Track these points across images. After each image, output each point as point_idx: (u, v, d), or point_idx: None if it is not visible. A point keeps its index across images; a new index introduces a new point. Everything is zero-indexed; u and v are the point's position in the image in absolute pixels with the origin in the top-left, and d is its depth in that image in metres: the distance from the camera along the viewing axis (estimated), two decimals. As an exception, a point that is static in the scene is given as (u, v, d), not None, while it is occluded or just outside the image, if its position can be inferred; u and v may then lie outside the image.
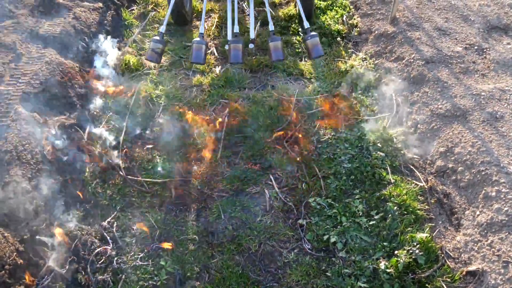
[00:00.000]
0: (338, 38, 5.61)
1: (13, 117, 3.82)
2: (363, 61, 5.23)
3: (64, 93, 4.36)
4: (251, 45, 4.80)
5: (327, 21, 5.86)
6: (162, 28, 4.60)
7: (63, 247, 3.29)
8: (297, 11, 5.79)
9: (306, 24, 4.60)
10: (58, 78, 4.37)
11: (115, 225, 3.65)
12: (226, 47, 4.59)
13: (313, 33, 4.59)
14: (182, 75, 5.18)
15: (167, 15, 4.73)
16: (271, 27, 4.63)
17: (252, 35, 4.77)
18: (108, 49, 5.06)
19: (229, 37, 4.70)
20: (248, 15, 6.19)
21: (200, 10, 5.97)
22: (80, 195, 3.76)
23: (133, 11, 6.22)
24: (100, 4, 5.71)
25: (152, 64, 5.23)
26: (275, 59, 4.55)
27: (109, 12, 5.81)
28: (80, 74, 4.70)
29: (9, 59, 4.42)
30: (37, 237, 3.24)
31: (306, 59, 5.34)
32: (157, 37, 4.55)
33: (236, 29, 4.57)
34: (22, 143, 3.67)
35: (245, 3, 6.38)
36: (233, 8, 4.90)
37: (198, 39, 4.51)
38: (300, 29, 5.82)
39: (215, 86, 4.97)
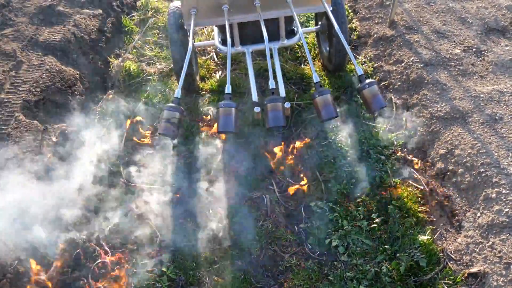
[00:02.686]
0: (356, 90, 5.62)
1: (14, 125, 3.84)
2: (362, 64, 5.24)
3: (65, 101, 4.38)
4: (257, 109, 3.50)
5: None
6: (177, 93, 3.50)
7: (65, 255, 3.30)
8: (330, 61, 4.96)
9: (316, 78, 3.51)
10: (58, 85, 4.39)
11: (116, 231, 3.65)
12: (257, 109, 3.48)
13: (323, 89, 3.46)
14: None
15: (180, 80, 3.59)
16: (315, 78, 3.52)
17: (255, 97, 4.03)
18: None
19: (254, 98, 3.98)
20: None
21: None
22: (82, 202, 3.77)
23: (133, 18, 6.25)
24: (100, 11, 5.74)
25: (152, 70, 5.25)
26: (326, 118, 3.46)
27: (109, 19, 5.83)
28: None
29: (10, 67, 4.45)
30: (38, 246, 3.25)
31: (305, 63, 5.35)
32: (172, 104, 3.45)
33: (272, 84, 3.52)
34: (23, 151, 3.69)
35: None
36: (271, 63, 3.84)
37: (270, 97, 3.44)
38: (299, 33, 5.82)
39: (215, 91, 4.98)
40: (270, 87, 3.50)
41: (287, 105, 3.43)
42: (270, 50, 4.03)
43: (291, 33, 4.55)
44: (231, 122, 3.41)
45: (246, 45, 4.38)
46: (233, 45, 4.32)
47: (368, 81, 3.51)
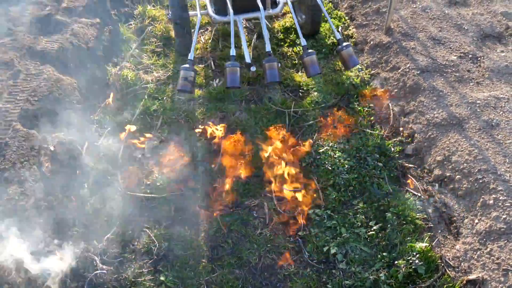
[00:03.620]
0: (335, 51, 5.64)
1: (12, 134, 3.84)
2: (359, 71, 5.26)
3: (62, 109, 4.38)
4: (253, 69, 4.52)
5: (324, 33, 5.91)
6: (191, 56, 4.24)
7: (63, 265, 3.29)
8: (306, 25, 5.72)
9: (303, 42, 4.41)
10: (56, 94, 4.40)
11: (115, 241, 3.65)
12: (252, 68, 4.45)
13: (310, 50, 4.37)
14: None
15: (193, 41, 4.34)
16: (267, 47, 4.36)
17: (248, 59, 4.60)
18: None
19: (247, 59, 4.57)
20: (245, 27, 6.24)
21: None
22: (80, 211, 3.77)
23: (131, 26, 6.26)
24: (98, 20, 5.76)
25: (149, 78, 5.26)
26: (271, 81, 4.27)
27: (106, 28, 5.85)
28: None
29: (7, 76, 4.45)
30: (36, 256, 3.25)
31: (302, 71, 5.37)
32: (187, 65, 4.20)
33: (233, 52, 4.25)
34: (20, 161, 3.69)
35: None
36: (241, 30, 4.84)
37: (231, 62, 4.17)
38: (297, 40, 5.86)
39: (212, 99, 4.99)
40: (267, 50, 4.32)
41: (253, 69, 4.52)
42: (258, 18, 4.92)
43: (274, 4, 5.27)
44: (237, 79, 4.14)
45: (237, 14, 4.92)
46: (226, 14, 5.03)
47: (345, 43, 4.45)
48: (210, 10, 5.13)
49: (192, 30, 5.18)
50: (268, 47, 4.36)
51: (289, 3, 4.79)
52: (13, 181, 3.54)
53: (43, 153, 3.87)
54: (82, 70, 5.03)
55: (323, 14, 5.54)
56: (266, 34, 4.60)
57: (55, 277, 3.19)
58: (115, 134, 4.48)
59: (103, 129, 4.55)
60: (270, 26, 6.10)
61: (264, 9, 4.88)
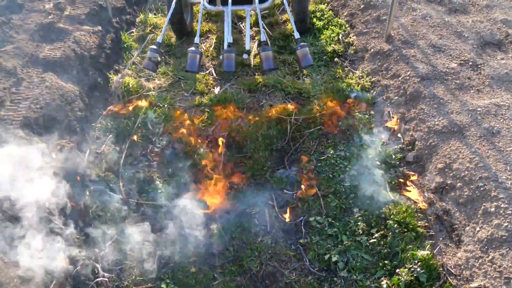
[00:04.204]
0: (336, 59, 5.66)
1: (14, 142, 3.85)
2: (359, 79, 5.28)
3: (64, 117, 4.39)
4: (245, 56, 5.06)
5: (324, 40, 5.94)
6: (159, 38, 4.83)
7: (65, 272, 3.29)
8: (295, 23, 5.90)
9: (297, 35, 4.75)
10: (58, 102, 4.42)
11: (116, 248, 3.65)
12: (221, 57, 4.84)
13: (303, 43, 4.70)
14: (180, 96, 5.23)
15: (164, 26, 5.02)
16: (262, 37, 4.79)
17: (248, 46, 5.04)
18: None
19: (225, 47, 4.95)
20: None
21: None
22: (81, 218, 3.77)
23: (132, 34, 6.30)
24: (100, 28, 5.79)
25: (151, 86, 5.28)
26: (266, 68, 4.67)
27: (108, 35, 5.88)
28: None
29: (10, 84, 4.47)
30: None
31: (304, 78, 5.39)
32: (154, 47, 4.72)
33: (230, 39, 4.79)
34: (22, 168, 3.69)
35: (242, 24, 6.47)
36: (229, 20, 5.15)
37: (193, 48, 4.62)
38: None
39: (213, 106, 5.01)
40: (262, 40, 4.79)
41: (246, 56, 5.16)
42: (253, 11, 5.37)
43: None
44: (232, 65, 4.58)
45: (225, 5, 5.31)
46: (216, 4, 5.45)
47: (301, 43, 4.69)
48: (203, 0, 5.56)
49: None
50: (262, 37, 4.77)
51: (285, 3, 5.06)
52: (17, 188, 3.55)
53: (45, 161, 3.88)
54: (84, 77, 5.05)
55: (309, 14, 6.08)
56: (260, 24, 4.91)
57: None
58: (117, 142, 4.50)
59: (105, 136, 4.56)
60: (271, 33, 6.14)
61: (253, 3, 5.35)
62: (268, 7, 5.70)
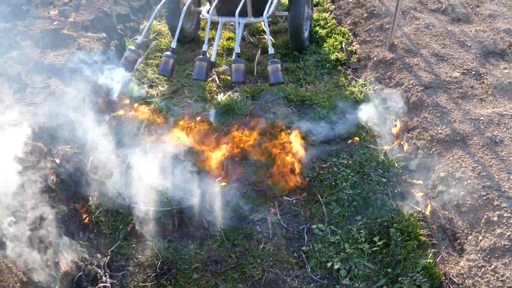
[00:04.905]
0: (339, 67, 5.69)
1: (18, 147, 3.86)
2: (362, 87, 5.30)
3: (68, 123, 4.41)
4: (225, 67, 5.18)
5: (327, 49, 5.97)
6: (139, 39, 5.00)
7: (67, 278, 3.29)
8: (291, 42, 6.02)
9: (271, 50, 4.76)
10: (62, 108, 4.44)
11: (118, 254, 3.66)
12: (225, 67, 5.03)
13: (275, 59, 4.69)
14: (184, 103, 5.25)
15: (146, 26, 5.15)
16: (270, 50, 4.75)
17: (213, 57, 4.98)
18: None
19: (213, 58, 4.98)
20: (249, 42, 6.31)
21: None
22: (84, 224, 3.78)
23: (136, 41, 6.33)
24: (104, 34, 5.83)
25: (154, 92, 5.31)
26: (274, 82, 4.66)
27: (112, 42, 5.92)
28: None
29: (15, 89, 4.50)
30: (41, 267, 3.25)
31: (307, 86, 5.41)
32: (132, 47, 4.88)
33: (205, 48, 4.75)
34: (26, 173, 3.71)
35: (245, 31, 6.50)
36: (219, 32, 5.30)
37: (200, 56, 4.63)
38: (300, 56, 5.92)
39: (217, 113, 5.02)
40: (236, 51, 4.67)
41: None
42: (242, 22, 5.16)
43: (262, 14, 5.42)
44: (241, 75, 4.57)
45: (221, 16, 5.46)
46: (212, 14, 5.39)
47: (273, 59, 4.66)
48: (205, 8, 5.82)
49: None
50: (237, 49, 4.71)
51: (265, 17, 5.05)
52: (18, 193, 3.56)
53: (49, 166, 3.89)
54: (88, 84, 5.08)
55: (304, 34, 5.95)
56: (238, 38, 4.95)
57: None
58: (121, 147, 4.51)
59: (109, 142, 4.57)
60: (274, 41, 6.17)
61: (247, 16, 5.44)
62: (260, 21, 5.78)
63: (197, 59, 4.63)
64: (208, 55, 4.76)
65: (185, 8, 5.16)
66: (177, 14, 5.51)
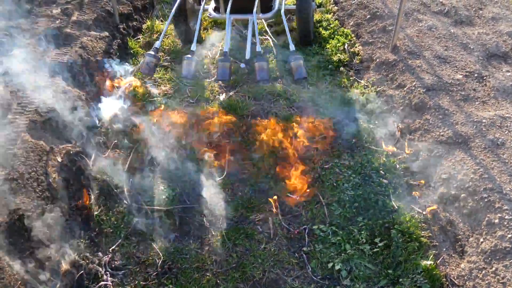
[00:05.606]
0: (341, 68, 5.69)
1: (20, 145, 3.87)
2: (365, 88, 5.30)
3: (71, 121, 4.42)
4: (242, 65, 5.11)
5: (330, 50, 5.97)
6: (157, 44, 4.88)
7: (68, 276, 3.29)
8: (298, 35, 6.06)
9: (292, 47, 4.77)
10: (64, 106, 4.44)
11: (119, 252, 3.66)
12: (242, 65, 5.04)
13: (297, 55, 4.72)
14: (186, 102, 5.25)
15: (163, 30, 5.10)
16: (291, 47, 4.78)
17: (248, 55, 5.00)
18: None
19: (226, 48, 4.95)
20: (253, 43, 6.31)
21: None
22: (86, 222, 3.78)
23: (139, 40, 6.34)
24: (107, 33, 5.83)
25: (157, 92, 5.31)
26: (260, 79, 4.69)
27: (115, 41, 5.92)
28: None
29: (17, 87, 4.50)
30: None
31: (309, 87, 5.42)
32: (152, 52, 4.78)
33: (226, 48, 4.76)
34: (28, 171, 3.71)
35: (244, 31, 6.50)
36: (228, 30, 5.17)
37: (222, 57, 4.66)
38: (302, 57, 5.92)
39: (218, 113, 5.03)
40: (258, 50, 4.70)
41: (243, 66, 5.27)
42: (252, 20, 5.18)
43: (270, 9, 5.65)
44: (227, 73, 4.59)
45: (230, 14, 5.29)
46: (220, 12, 5.63)
47: (296, 55, 4.69)
48: (211, 6, 5.79)
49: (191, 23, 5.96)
50: (258, 48, 4.72)
51: (282, 12, 5.16)
52: (21, 191, 3.57)
53: (51, 164, 3.90)
54: (91, 82, 5.09)
55: (313, 28, 6.16)
56: (256, 35, 4.98)
57: None
58: (122, 147, 4.52)
59: (110, 141, 4.58)
60: (276, 42, 6.19)
61: (256, 12, 5.32)
62: (271, 17, 5.81)
63: (219, 60, 4.66)
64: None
65: (201, 9, 5.25)
66: (184, 15, 5.68)
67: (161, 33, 6.30)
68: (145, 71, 4.79)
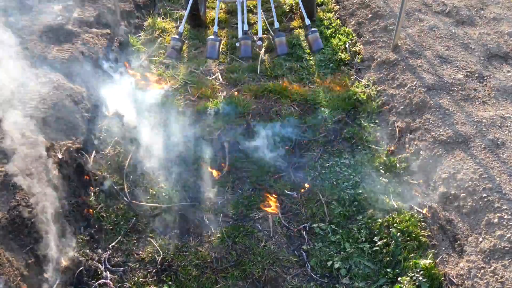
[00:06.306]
0: (342, 67, 5.69)
1: (20, 141, 3.87)
2: (365, 87, 5.30)
3: (71, 118, 4.42)
4: (259, 42, 5.18)
5: (331, 48, 5.98)
6: (181, 28, 5.15)
7: (68, 272, 3.30)
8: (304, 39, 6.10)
9: (307, 21, 5.08)
10: (65, 102, 4.45)
11: (119, 250, 3.67)
12: (237, 44, 5.11)
13: (313, 28, 4.97)
14: (187, 100, 5.26)
15: (185, 16, 5.38)
16: (276, 24, 5.04)
17: (260, 33, 5.24)
18: None
19: (240, 35, 5.16)
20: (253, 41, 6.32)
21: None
22: (85, 219, 3.79)
23: (140, 38, 6.35)
24: (108, 31, 5.84)
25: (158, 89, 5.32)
26: (280, 53, 5.00)
27: (116, 38, 5.92)
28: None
29: (18, 83, 4.50)
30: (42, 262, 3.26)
31: (310, 85, 5.42)
32: (176, 36, 5.09)
33: (246, 27, 5.05)
34: (28, 167, 3.72)
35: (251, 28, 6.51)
36: (242, 10, 5.37)
37: (212, 36, 4.92)
38: (304, 55, 5.93)
39: (220, 111, 5.03)
40: (276, 27, 5.13)
41: (259, 43, 5.21)
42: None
43: None
44: (249, 50, 4.93)
45: None
46: None
47: (312, 29, 5.06)
48: None
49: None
50: (276, 24, 5.08)
51: None
52: (20, 187, 3.57)
53: (51, 161, 3.90)
54: (91, 79, 5.09)
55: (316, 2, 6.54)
56: (273, 11, 5.36)
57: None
58: (123, 144, 4.52)
59: (110, 138, 4.58)
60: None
61: None
62: None
63: (240, 38, 4.94)
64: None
65: None
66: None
67: (162, 30, 6.31)
68: (172, 55, 5.04)
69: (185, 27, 6.36)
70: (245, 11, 5.30)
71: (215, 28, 5.04)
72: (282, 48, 4.96)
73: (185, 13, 5.41)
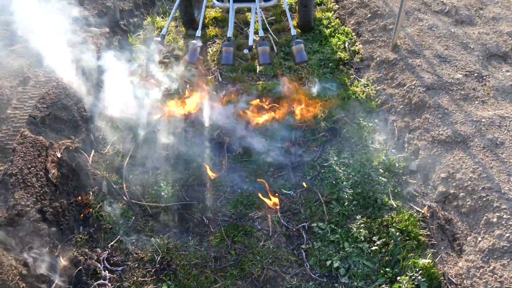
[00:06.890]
0: (341, 66, 5.69)
1: (19, 140, 3.87)
2: (365, 87, 5.30)
3: (70, 117, 4.42)
4: (245, 51, 5.06)
5: (330, 48, 5.97)
6: (198, 32, 4.94)
7: (67, 272, 3.30)
8: (299, 21, 6.16)
9: (293, 32, 4.91)
10: (64, 102, 4.45)
11: (118, 249, 3.66)
12: (245, 51, 4.98)
13: (298, 40, 4.83)
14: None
15: (201, 16, 5.25)
16: (293, 31, 4.90)
17: (250, 42, 5.03)
18: None
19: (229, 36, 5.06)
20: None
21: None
22: (84, 218, 3.79)
23: (139, 37, 6.34)
24: (107, 30, 5.83)
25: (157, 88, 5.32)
26: (300, 61, 4.80)
27: (115, 37, 5.92)
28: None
29: (17, 82, 4.50)
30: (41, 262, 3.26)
31: (309, 85, 5.42)
32: (194, 41, 4.87)
33: (230, 34, 4.91)
34: (28, 166, 3.72)
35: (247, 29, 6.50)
36: (231, 17, 5.25)
37: (227, 42, 4.78)
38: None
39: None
40: (293, 34, 4.92)
41: (246, 51, 4.97)
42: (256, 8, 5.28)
43: None
44: (230, 58, 4.70)
45: (233, 2, 5.42)
46: (222, 1, 5.71)
47: (297, 40, 4.80)
48: None
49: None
50: (293, 31, 4.92)
51: (284, 2, 5.33)
52: (19, 186, 3.57)
53: (50, 160, 3.90)
54: (91, 78, 5.09)
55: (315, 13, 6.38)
56: (259, 21, 5.26)
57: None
58: (122, 142, 4.52)
59: (110, 136, 4.58)
60: (278, 40, 6.18)
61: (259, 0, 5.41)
62: (272, 5, 5.93)
63: (223, 45, 4.78)
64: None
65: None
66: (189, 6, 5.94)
67: (161, 29, 6.30)
68: (191, 58, 4.89)
69: (175, 40, 6.35)
70: (232, 17, 5.22)
71: (198, 33, 4.92)
72: (301, 55, 4.81)
73: (200, 20, 5.20)
